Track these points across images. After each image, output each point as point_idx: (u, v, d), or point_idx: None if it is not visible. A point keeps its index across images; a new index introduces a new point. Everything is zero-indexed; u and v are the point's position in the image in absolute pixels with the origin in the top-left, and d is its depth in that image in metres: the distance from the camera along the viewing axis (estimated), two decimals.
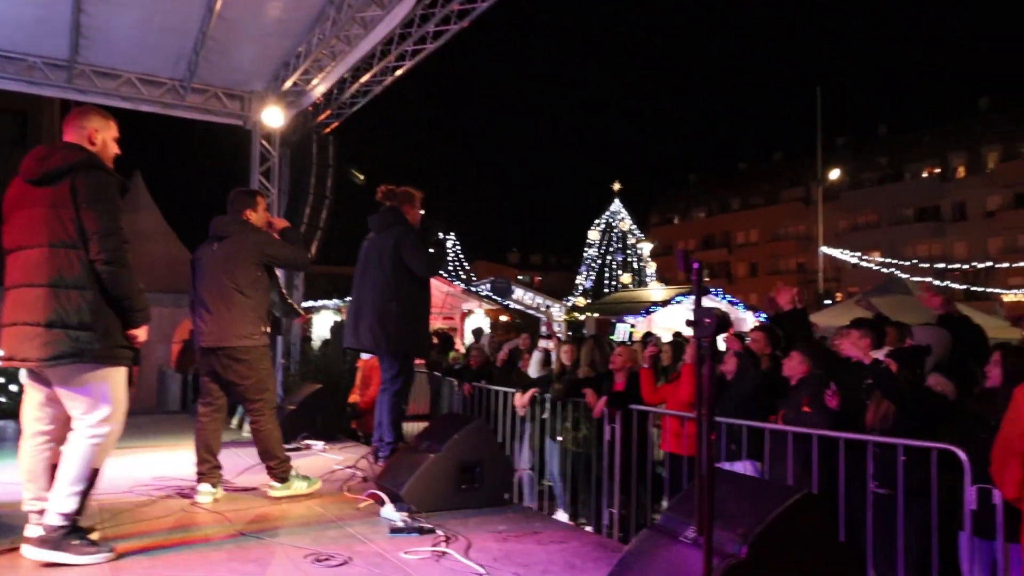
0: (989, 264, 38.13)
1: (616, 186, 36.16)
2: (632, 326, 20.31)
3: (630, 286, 34.23)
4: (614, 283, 35.79)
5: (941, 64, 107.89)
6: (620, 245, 36.85)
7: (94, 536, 3.58)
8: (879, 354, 4.57)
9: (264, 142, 10.71)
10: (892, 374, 4.21)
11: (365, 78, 9.33)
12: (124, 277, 3.49)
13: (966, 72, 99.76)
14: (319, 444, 7.11)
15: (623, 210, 36.47)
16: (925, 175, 49.60)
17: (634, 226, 36.22)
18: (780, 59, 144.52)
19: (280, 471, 4.96)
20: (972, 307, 21.33)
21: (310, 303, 18.49)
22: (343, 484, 5.31)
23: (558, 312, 22.58)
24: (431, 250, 5.88)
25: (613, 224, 36.83)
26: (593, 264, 37.03)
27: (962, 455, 3.89)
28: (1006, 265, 37.99)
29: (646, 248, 35.93)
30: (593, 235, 36.98)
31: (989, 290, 35.68)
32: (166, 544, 3.77)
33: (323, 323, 18.26)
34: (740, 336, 6.70)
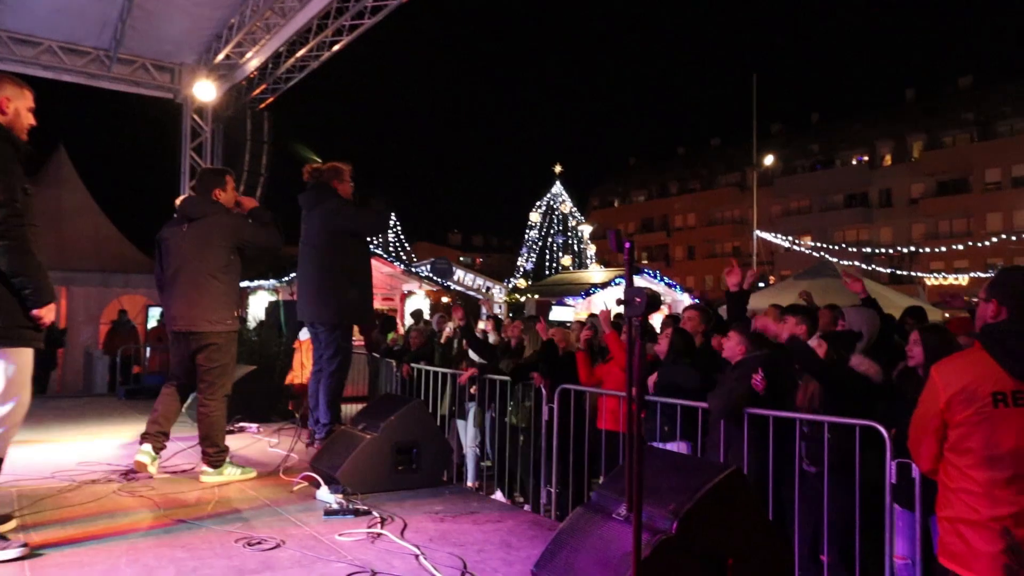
0: (912, 249, 39.67)
1: (557, 168, 36.27)
2: (573, 307, 20.50)
3: (571, 268, 34.48)
4: (555, 265, 35.97)
5: (871, 55, 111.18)
6: (561, 227, 37.01)
7: (10, 525, 3.43)
8: (813, 340, 4.69)
9: (196, 116, 10.38)
10: (809, 348, 4.34)
11: (301, 52, 9.10)
12: (17, 252, 3.22)
13: (894, 63, 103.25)
14: (253, 427, 6.99)
15: (564, 192, 36.62)
16: (854, 162, 51.20)
17: (575, 208, 36.43)
18: (718, 47, 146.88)
19: (216, 459, 4.87)
20: (896, 290, 22.25)
21: (245, 283, 18.08)
22: (279, 467, 5.22)
23: (499, 294, 22.60)
24: (369, 210, 5.86)
25: (554, 206, 36.95)
26: (534, 246, 37.13)
27: (883, 431, 4.05)
28: (927, 250, 39.59)
29: (586, 230, 36.19)
30: (534, 217, 37.06)
31: (913, 274, 37.18)
32: (89, 532, 3.63)
33: (259, 303, 17.87)
34: (675, 317, 6.81)
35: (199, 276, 4.75)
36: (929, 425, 2.72)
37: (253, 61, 9.32)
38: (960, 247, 38.43)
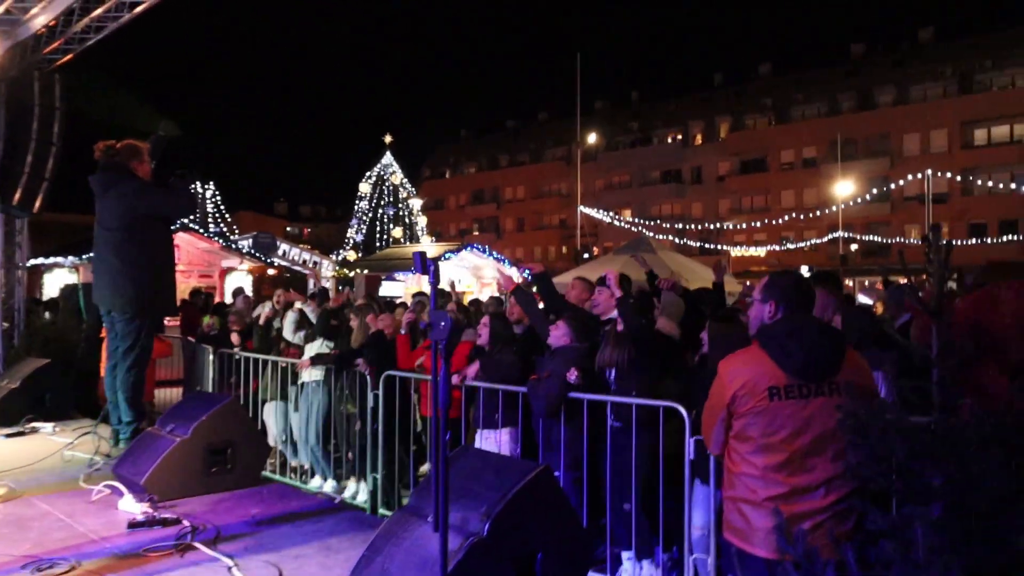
0: (719, 225, 42.87)
1: (387, 139, 35.61)
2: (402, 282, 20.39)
3: (402, 240, 34.19)
4: (386, 236, 35.49)
5: (685, 39, 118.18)
6: (391, 199, 36.51)
7: None
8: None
9: None
10: (633, 308, 4.63)
11: (98, 12, 8.26)
12: None
13: (705, 48, 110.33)
14: (48, 426, 6.39)
15: (395, 163, 36.10)
16: (670, 140, 54.37)
17: (405, 180, 36.04)
18: (545, 24, 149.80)
19: None
20: (703, 261, 24.03)
21: (39, 260, 16.35)
22: (80, 474, 4.82)
23: (327, 269, 22.00)
24: (175, 191, 5.52)
25: (385, 177, 36.35)
26: (364, 217, 36.43)
27: (683, 412, 4.38)
28: (730, 226, 42.95)
29: (416, 204, 35.98)
30: (364, 188, 36.29)
31: (720, 247, 40.25)
32: None
33: (55, 283, 16.24)
34: (499, 300, 6.92)
35: None
36: (717, 415, 2.98)
37: (39, 18, 8.35)
38: (758, 224, 42.10)
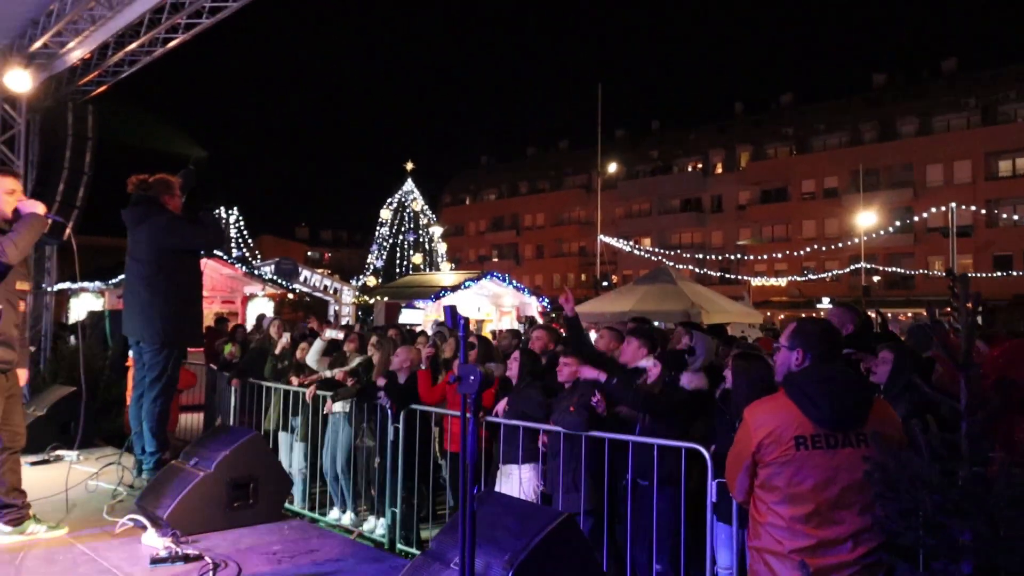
0: (739, 256, 42.66)
1: (409, 165, 35.94)
2: (422, 309, 20.43)
3: (422, 267, 34.34)
4: (406, 263, 35.67)
5: (705, 68, 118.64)
6: (412, 225, 36.75)
7: None
8: (648, 361, 4.97)
9: (7, 106, 9.42)
10: (632, 388, 4.61)
11: (132, 47, 8.47)
12: None
13: (725, 78, 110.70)
14: (72, 455, 6.43)
15: (415, 190, 36.38)
16: (690, 169, 54.43)
17: (426, 206, 36.30)
18: (567, 53, 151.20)
19: (15, 516, 4.20)
20: (723, 291, 23.90)
21: (67, 284, 16.59)
22: (104, 505, 4.84)
23: (348, 295, 22.12)
24: (204, 225, 5.62)
25: (405, 203, 36.63)
26: (385, 243, 36.66)
27: (705, 453, 4.35)
28: (751, 257, 42.72)
29: (437, 231, 36.20)
30: (385, 214, 36.58)
31: (740, 277, 40.04)
32: None
33: (82, 308, 16.45)
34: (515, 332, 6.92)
35: None
36: (742, 463, 2.96)
37: (76, 52, 8.57)
38: (779, 255, 41.87)
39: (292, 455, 7.38)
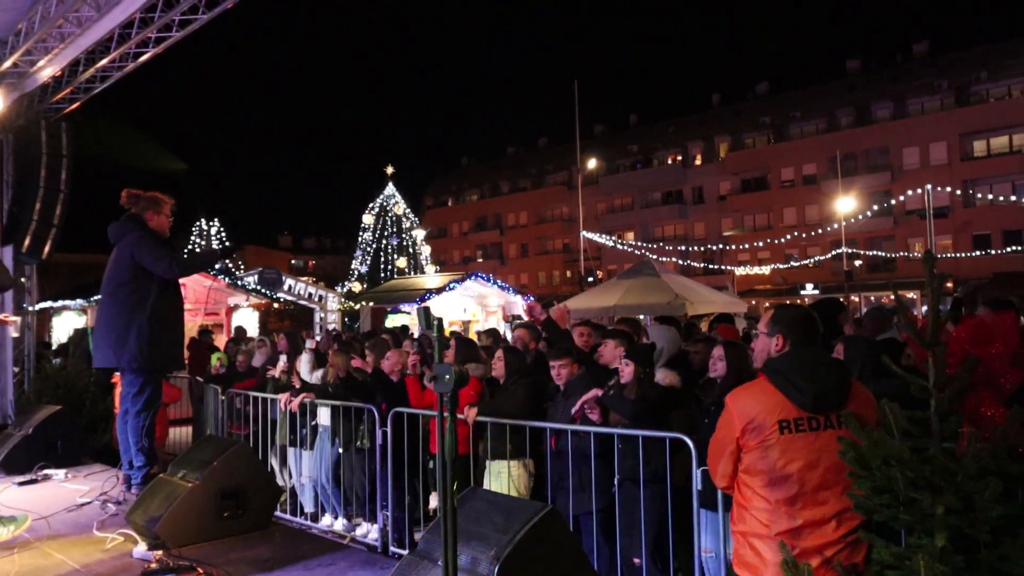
0: (721, 246, 42.90)
1: (389, 170, 35.84)
2: (408, 313, 20.42)
3: (406, 271, 34.29)
4: (390, 267, 35.59)
5: (681, 60, 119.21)
6: (395, 229, 36.64)
7: None
8: (619, 361, 5.02)
9: None
10: (624, 398, 4.66)
11: (103, 62, 8.44)
12: None
13: (700, 68, 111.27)
14: (60, 473, 6.43)
15: (397, 194, 36.31)
16: (670, 161, 54.68)
17: (408, 210, 36.24)
18: (543, 51, 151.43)
19: None
20: (707, 282, 24.06)
21: (48, 303, 16.46)
22: (94, 521, 4.84)
23: (333, 302, 22.07)
24: (202, 255, 5.61)
25: (388, 208, 36.53)
26: (368, 248, 36.56)
27: (689, 442, 4.42)
28: (732, 247, 42.96)
29: (420, 234, 36.16)
30: (368, 219, 36.46)
31: (723, 267, 40.26)
32: None
33: (64, 327, 16.32)
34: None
35: None
36: (726, 449, 3.01)
37: (46, 70, 8.54)
38: (761, 244, 42.16)
39: (300, 465, 7.35)
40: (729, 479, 3.08)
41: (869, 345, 4.36)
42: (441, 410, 1.96)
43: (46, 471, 6.41)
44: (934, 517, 2.43)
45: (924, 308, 26.26)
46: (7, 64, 8.48)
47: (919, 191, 32.60)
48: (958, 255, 37.12)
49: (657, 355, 5.13)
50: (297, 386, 7.01)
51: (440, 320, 2.00)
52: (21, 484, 6.01)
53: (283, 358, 7.62)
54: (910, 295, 35.38)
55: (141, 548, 4.09)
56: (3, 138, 10.02)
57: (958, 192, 36.52)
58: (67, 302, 16.39)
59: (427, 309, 2.08)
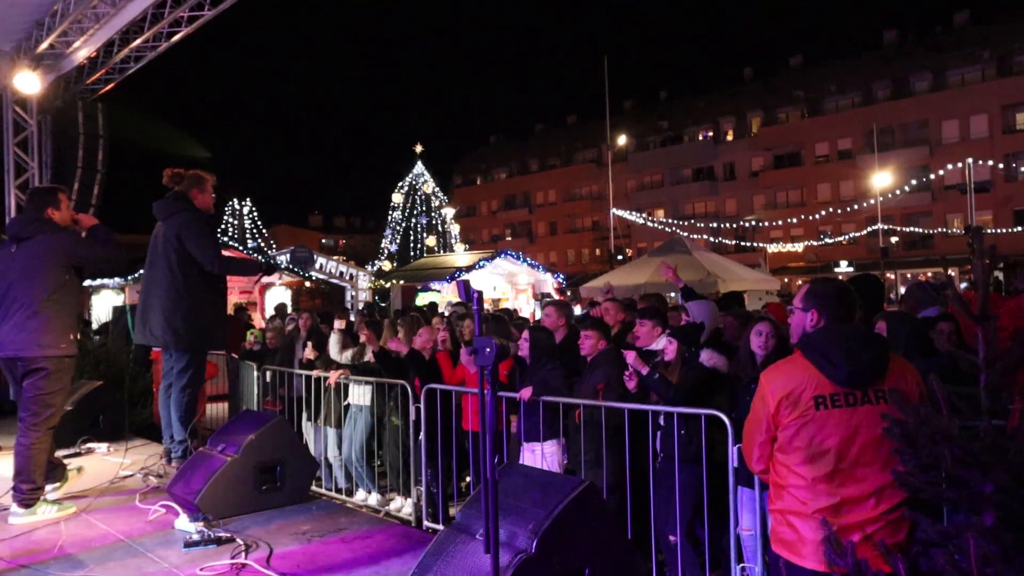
0: (753, 223, 42.28)
1: (418, 148, 35.88)
2: (438, 291, 20.51)
3: (436, 249, 34.40)
4: (420, 246, 35.74)
5: (713, 35, 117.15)
6: (424, 208, 36.75)
7: None
8: (663, 340, 4.97)
9: (18, 108, 9.51)
10: (668, 383, 4.62)
11: (137, 43, 8.51)
12: None
13: (731, 42, 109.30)
14: (102, 447, 6.58)
15: (426, 172, 36.36)
16: (701, 137, 53.93)
17: (437, 188, 36.29)
18: (572, 26, 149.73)
19: (30, 497, 4.44)
20: (739, 259, 23.79)
21: (87, 282, 16.79)
22: (137, 493, 4.94)
23: (364, 281, 22.23)
24: (245, 264, 5.66)
25: (416, 186, 36.62)
26: (398, 227, 36.72)
27: (726, 419, 4.38)
28: (765, 224, 42.33)
29: (449, 213, 36.21)
30: (397, 198, 36.60)
31: (755, 244, 39.75)
32: None
33: (103, 305, 16.66)
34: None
35: (30, 299, 4.41)
36: (760, 427, 2.97)
37: (82, 51, 8.63)
38: (794, 220, 41.53)
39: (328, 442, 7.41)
40: (765, 461, 3.03)
41: (912, 322, 4.26)
42: (482, 385, 1.95)
43: (89, 444, 6.56)
44: (983, 495, 2.37)
45: (963, 285, 25.68)
46: (44, 46, 8.58)
47: (959, 165, 31.81)
48: (998, 231, 36.22)
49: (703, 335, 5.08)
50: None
51: (480, 293, 1.98)
52: (65, 457, 6.15)
53: (309, 344, 7.61)
54: (949, 272, 34.67)
55: (183, 520, 4.18)
56: (41, 120, 10.17)
57: (1000, 166, 35.55)
58: (105, 280, 16.71)
59: (467, 282, 2.07)
